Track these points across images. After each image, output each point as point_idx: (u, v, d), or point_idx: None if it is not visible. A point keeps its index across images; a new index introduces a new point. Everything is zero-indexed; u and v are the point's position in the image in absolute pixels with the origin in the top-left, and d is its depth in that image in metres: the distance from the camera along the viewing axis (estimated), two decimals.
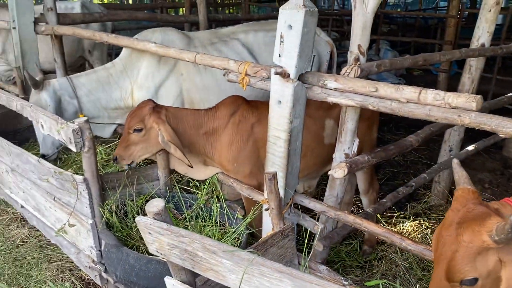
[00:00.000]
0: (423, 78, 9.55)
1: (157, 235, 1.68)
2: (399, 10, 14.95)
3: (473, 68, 3.74)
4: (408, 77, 9.71)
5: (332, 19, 10.58)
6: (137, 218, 1.71)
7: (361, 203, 3.61)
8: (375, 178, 3.43)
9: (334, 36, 10.09)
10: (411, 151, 5.60)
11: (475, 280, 1.49)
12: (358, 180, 3.29)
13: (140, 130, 2.78)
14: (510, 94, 3.99)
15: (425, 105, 1.95)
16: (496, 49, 3.63)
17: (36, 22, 4.27)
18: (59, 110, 3.39)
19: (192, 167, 2.82)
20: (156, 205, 1.70)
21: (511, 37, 10.14)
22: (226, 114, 2.85)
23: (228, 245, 1.55)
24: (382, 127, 6.11)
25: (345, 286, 2.23)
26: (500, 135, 1.79)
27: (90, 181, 2.57)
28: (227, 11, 13.21)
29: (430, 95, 1.92)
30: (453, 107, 1.88)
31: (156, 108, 2.79)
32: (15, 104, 3.01)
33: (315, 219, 2.75)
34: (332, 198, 2.73)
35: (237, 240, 2.67)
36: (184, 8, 7.84)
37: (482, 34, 3.57)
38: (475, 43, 3.60)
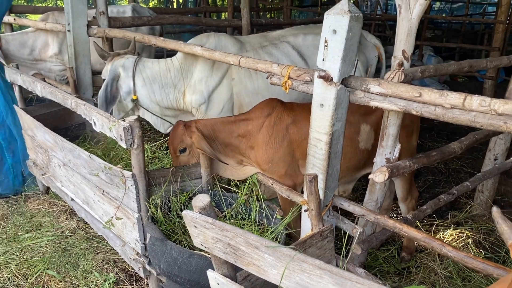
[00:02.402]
0: (468, 85, 9.28)
1: (202, 229, 1.76)
2: (444, 15, 14.57)
3: None
4: (452, 84, 9.47)
5: (374, 24, 10.47)
6: (184, 212, 1.80)
7: (400, 210, 3.58)
8: (414, 185, 3.40)
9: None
10: (454, 159, 5.48)
11: None
12: (397, 187, 3.28)
13: (184, 150, 3.08)
14: None
15: (470, 111, 1.94)
16: None
17: (89, 25, 4.51)
18: (114, 84, 3.57)
19: (227, 164, 2.98)
20: (202, 200, 1.78)
21: None
22: (261, 116, 2.96)
23: (270, 241, 1.60)
24: (423, 134, 6.00)
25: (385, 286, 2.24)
26: None
27: (137, 176, 2.69)
28: (268, 16, 13.33)
29: (476, 101, 1.91)
30: (499, 113, 1.86)
31: (187, 124, 3.02)
32: (70, 102, 3.20)
33: (353, 223, 2.77)
34: (371, 203, 2.74)
35: (276, 240, 2.72)
36: (227, 13, 8.00)
37: None
38: None
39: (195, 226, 1.78)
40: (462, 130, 5.96)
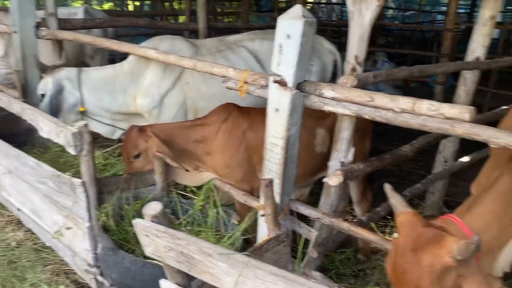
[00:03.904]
0: (419, 90, 9.61)
1: (154, 238, 1.70)
2: (396, 22, 15.09)
3: (468, 80, 3.80)
4: (405, 89, 9.77)
5: (330, 30, 10.68)
6: (135, 221, 1.73)
7: (356, 212, 3.63)
8: (368, 188, 3.47)
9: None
10: (407, 162, 5.64)
11: None
12: (351, 190, 3.33)
13: (138, 155, 2.96)
14: (505, 107, 4.05)
15: (420, 115, 1.99)
16: (491, 63, 3.70)
17: (37, 26, 4.31)
18: (58, 98, 3.47)
19: (187, 171, 2.91)
20: (154, 208, 1.73)
21: (507, 52, 10.28)
22: (218, 121, 2.93)
23: (224, 248, 1.57)
24: (377, 137, 6.14)
25: None
26: (491, 145, 1.84)
27: (88, 184, 2.59)
28: (226, 20, 13.32)
29: (425, 105, 1.97)
30: (446, 117, 1.91)
31: (142, 129, 2.93)
32: (15, 106, 3.04)
33: (312, 227, 2.79)
34: (327, 206, 2.76)
35: (233, 246, 2.68)
36: (185, 16, 7.92)
37: (477, 47, 3.63)
38: (470, 56, 3.66)
39: (147, 235, 1.72)
40: (415, 134, 6.15)
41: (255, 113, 3.00)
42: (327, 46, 4.13)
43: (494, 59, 3.84)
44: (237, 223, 2.84)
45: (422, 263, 1.53)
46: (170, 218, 2.89)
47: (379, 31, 10.35)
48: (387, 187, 1.86)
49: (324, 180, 2.49)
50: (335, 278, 3.12)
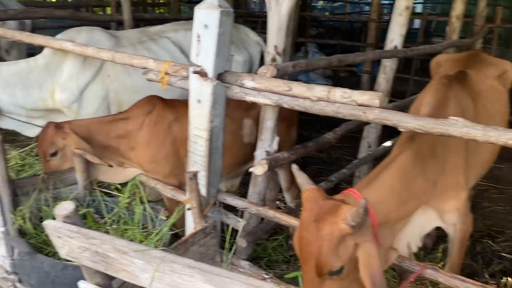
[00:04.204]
0: (348, 80, 9.98)
1: (67, 239, 1.63)
2: (326, 13, 15.50)
3: (388, 69, 3.99)
4: (335, 79, 10.10)
5: (261, 21, 10.75)
6: (45, 222, 1.65)
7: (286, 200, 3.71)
8: None
9: (264, 38, 10.25)
10: (336, 148, 5.85)
11: (341, 268, 1.64)
12: (280, 178, 3.38)
13: (55, 153, 2.82)
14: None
15: (334, 103, 2.06)
16: (407, 51, 3.89)
17: None
18: None
19: (111, 166, 2.84)
20: (65, 207, 1.65)
21: (428, 41, 10.93)
22: (141, 114, 2.85)
23: (140, 244, 1.54)
24: (308, 126, 6.31)
25: (265, 279, 2.30)
26: (400, 129, 1.94)
27: (0, 186, 2.42)
28: (157, 11, 12.97)
29: (338, 93, 2.03)
30: (359, 104, 1.99)
31: (59, 125, 2.80)
32: None
33: (242, 217, 2.81)
34: (255, 195, 2.79)
35: (161, 242, 2.64)
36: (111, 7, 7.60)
37: (395, 37, 3.81)
38: (389, 45, 3.84)
39: (59, 237, 1.64)
40: (342, 122, 6.38)
41: (181, 105, 2.94)
42: (253, 37, 4.15)
43: (411, 47, 4.04)
44: (165, 218, 2.79)
45: (321, 232, 1.60)
46: (94, 218, 2.78)
47: (309, 22, 10.56)
48: (294, 167, 1.94)
49: (250, 169, 2.50)
50: (266, 266, 3.17)
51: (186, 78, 2.41)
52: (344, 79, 10.19)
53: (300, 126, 6.03)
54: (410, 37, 11.02)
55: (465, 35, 7.20)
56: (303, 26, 10.58)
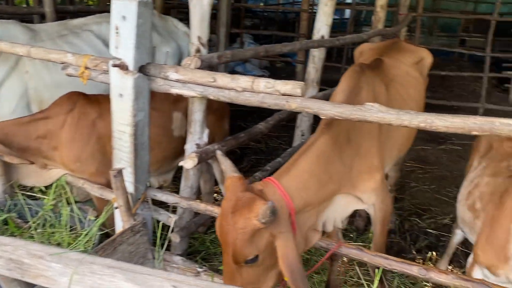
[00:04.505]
0: (285, 70, 10.13)
1: None
2: (261, 4, 15.58)
3: (316, 58, 4.08)
4: (272, 69, 10.22)
5: None
6: None
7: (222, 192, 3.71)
8: None
9: None
10: (273, 138, 5.93)
11: (257, 257, 1.70)
12: (215, 170, 3.37)
13: None
14: None
15: (259, 93, 2.07)
16: (334, 41, 4.00)
17: None
18: None
19: (32, 163, 2.69)
20: None
21: (358, 30, 11.31)
22: (62, 113, 2.72)
23: (56, 247, 1.47)
24: (245, 117, 6.34)
25: (199, 273, 2.29)
26: (321, 117, 1.99)
27: None
28: (86, 3, 12.41)
29: (262, 83, 2.04)
30: (282, 93, 2.01)
31: None
32: None
33: (175, 212, 2.77)
34: (187, 189, 2.76)
35: (90, 243, 2.54)
36: None
37: (321, 26, 3.90)
38: (316, 35, 3.92)
39: None
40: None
41: (105, 101, 2.82)
42: (182, 28, 4.07)
43: (337, 37, 4.16)
44: (94, 218, 2.68)
45: (236, 226, 1.64)
46: (16, 223, 2.62)
47: (244, 13, 10.58)
48: (218, 153, 1.96)
49: (180, 163, 2.47)
50: (202, 259, 3.16)
51: (107, 72, 2.32)
52: (280, 69, 10.32)
53: (239, 117, 6.07)
54: (341, 26, 11.42)
55: (391, 24, 7.51)
56: (238, 17, 10.59)
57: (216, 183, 3.62)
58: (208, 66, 2.37)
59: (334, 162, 2.05)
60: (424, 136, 6.03)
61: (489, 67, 7.29)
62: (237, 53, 2.64)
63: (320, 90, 4.27)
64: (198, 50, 2.43)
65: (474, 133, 1.68)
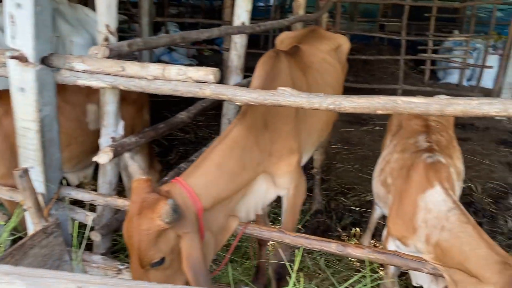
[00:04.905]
0: (212, 58, 10.03)
1: None
2: None
3: (238, 45, 4.05)
4: (200, 58, 10.08)
5: (118, 1, 10.14)
6: None
7: None
8: (155, 159, 3.46)
9: (122, 18, 9.71)
10: (202, 128, 5.87)
11: (163, 259, 1.68)
12: (137, 162, 3.26)
13: None
14: None
15: (171, 81, 2.01)
16: (254, 27, 3.99)
17: None
18: None
19: None
20: None
21: (283, 16, 11.44)
22: None
23: None
24: (173, 107, 6.21)
25: (120, 271, 2.21)
26: (237, 103, 1.97)
27: None
28: None
29: (174, 70, 1.98)
30: (195, 80, 1.97)
31: None
32: None
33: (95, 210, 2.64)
34: (105, 186, 2.64)
35: (1, 249, 2.36)
36: None
37: (241, 12, 3.86)
38: (236, 21, 3.88)
39: None
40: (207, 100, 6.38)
41: (10, 96, 2.63)
42: (94, 17, 3.86)
43: (258, 23, 4.16)
44: (3, 223, 2.49)
45: (140, 228, 1.61)
46: None
47: (168, 1, 10.30)
48: (126, 156, 1.92)
49: (93, 159, 2.35)
50: (126, 257, 3.06)
51: (5, 65, 2.14)
52: (208, 58, 10.21)
53: (163, 107, 5.91)
54: (267, 13, 11.47)
55: (314, 10, 7.66)
56: (162, 5, 10.28)
57: None
58: (118, 55, 2.26)
59: (251, 150, 2.04)
60: (348, 119, 6.27)
61: (406, 50, 7.69)
62: (150, 41, 2.55)
63: (246, 77, 4.27)
64: (106, 39, 2.30)
65: (379, 112, 1.74)
